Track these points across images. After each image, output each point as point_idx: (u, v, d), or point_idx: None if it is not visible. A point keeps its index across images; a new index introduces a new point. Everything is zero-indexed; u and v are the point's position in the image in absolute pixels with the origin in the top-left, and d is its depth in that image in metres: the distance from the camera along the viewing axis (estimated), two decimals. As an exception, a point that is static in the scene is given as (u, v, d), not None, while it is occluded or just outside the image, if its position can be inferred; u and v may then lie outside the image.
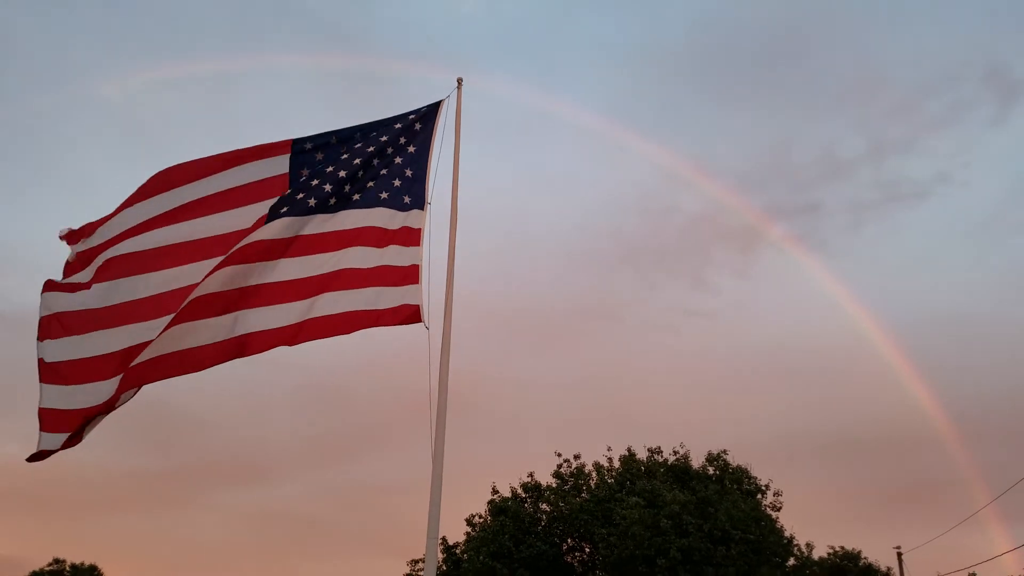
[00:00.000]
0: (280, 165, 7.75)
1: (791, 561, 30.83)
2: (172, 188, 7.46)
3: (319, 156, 7.88)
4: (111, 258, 7.31)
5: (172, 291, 7.10)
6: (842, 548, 39.42)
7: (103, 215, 7.55)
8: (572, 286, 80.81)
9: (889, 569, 38.90)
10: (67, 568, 49.01)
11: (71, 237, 7.60)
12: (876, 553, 40.92)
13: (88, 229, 7.59)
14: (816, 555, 36.49)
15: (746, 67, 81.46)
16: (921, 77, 77.17)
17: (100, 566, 49.93)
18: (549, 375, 74.75)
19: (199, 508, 70.89)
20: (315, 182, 7.63)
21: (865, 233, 76.85)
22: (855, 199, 76.68)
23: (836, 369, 73.49)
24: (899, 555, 37.78)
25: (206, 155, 7.54)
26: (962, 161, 75.42)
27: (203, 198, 7.47)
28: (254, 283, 7.16)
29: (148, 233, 7.33)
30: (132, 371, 6.61)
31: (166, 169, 7.57)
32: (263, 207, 7.43)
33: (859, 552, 39.22)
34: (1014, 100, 73.48)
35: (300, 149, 7.83)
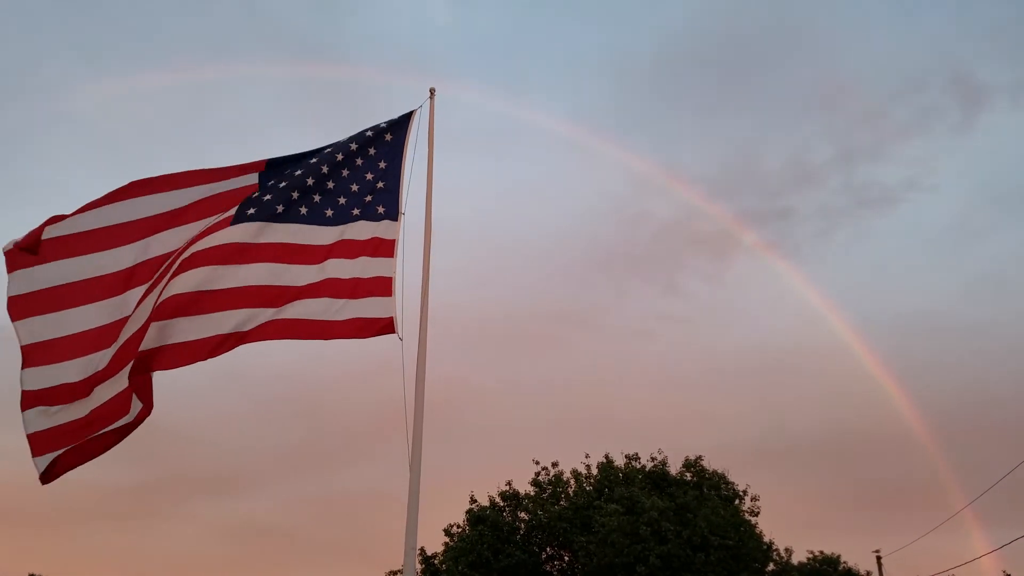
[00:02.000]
0: (250, 179, 7.70)
1: (770, 567, 31.01)
2: (135, 197, 7.24)
3: (288, 170, 7.84)
4: (66, 284, 6.95)
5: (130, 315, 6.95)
6: (821, 553, 39.55)
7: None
8: (547, 293, 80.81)
9: (868, 573, 39.15)
10: (40, 584, 48.12)
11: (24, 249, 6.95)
12: (855, 557, 41.06)
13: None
14: (795, 560, 36.81)
15: (716, 75, 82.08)
16: (887, 84, 78.21)
17: (73, 581, 49.21)
18: (526, 383, 74.58)
19: (174, 520, 69.83)
20: (283, 184, 7.66)
21: (836, 238, 77.54)
22: (826, 205, 77.50)
23: (810, 373, 74.03)
24: (878, 559, 38.05)
25: (178, 169, 7.48)
26: (929, 167, 76.41)
27: (166, 213, 7.30)
28: (220, 287, 7.15)
29: (106, 252, 7.06)
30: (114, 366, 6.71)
31: (134, 182, 7.35)
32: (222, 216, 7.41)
33: (838, 557, 39.36)
34: (978, 106, 74.72)
35: (271, 167, 7.78)
